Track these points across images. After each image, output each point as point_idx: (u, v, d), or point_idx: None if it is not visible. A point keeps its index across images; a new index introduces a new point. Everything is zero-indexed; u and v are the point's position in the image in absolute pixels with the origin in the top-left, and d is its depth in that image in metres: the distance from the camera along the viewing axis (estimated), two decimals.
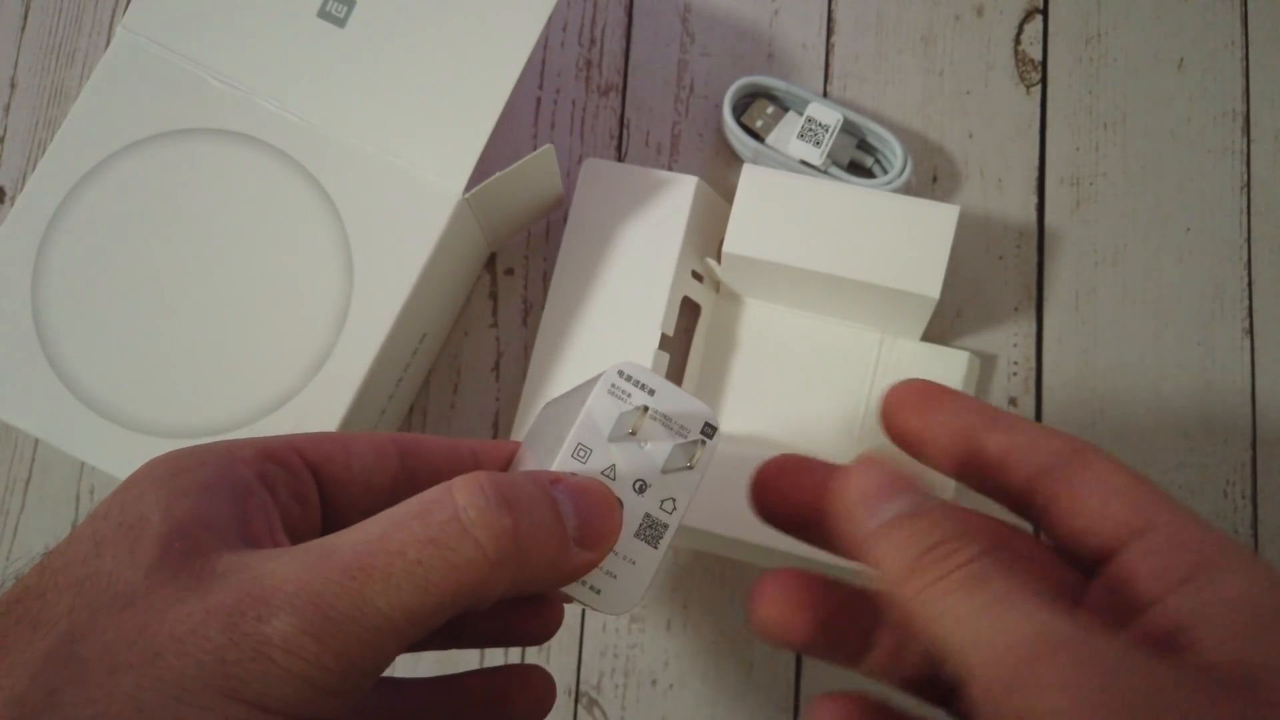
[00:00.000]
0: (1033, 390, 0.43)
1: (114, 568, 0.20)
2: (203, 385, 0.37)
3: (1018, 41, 0.46)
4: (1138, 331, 0.43)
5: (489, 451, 0.27)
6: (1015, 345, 0.44)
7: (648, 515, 0.23)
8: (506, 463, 0.28)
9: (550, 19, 0.39)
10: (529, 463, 0.26)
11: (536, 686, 0.28)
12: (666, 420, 0.24)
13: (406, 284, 0.37)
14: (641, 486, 0.23)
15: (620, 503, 0.23)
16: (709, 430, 0.24)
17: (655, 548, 0.23)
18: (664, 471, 0.24)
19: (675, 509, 0.24)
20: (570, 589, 0.23)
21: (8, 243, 0.37)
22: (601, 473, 0.23)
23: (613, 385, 0.24)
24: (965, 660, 0.19)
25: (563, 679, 0.42)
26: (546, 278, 0.45)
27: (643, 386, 0.24)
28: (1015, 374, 0.43)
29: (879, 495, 0.21)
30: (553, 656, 0.42)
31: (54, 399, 0.36)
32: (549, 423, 0.28)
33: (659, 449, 0.23)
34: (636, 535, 0.23)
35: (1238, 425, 0.42)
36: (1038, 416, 0.43)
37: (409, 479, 0.25)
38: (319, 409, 0.36)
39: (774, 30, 0.47)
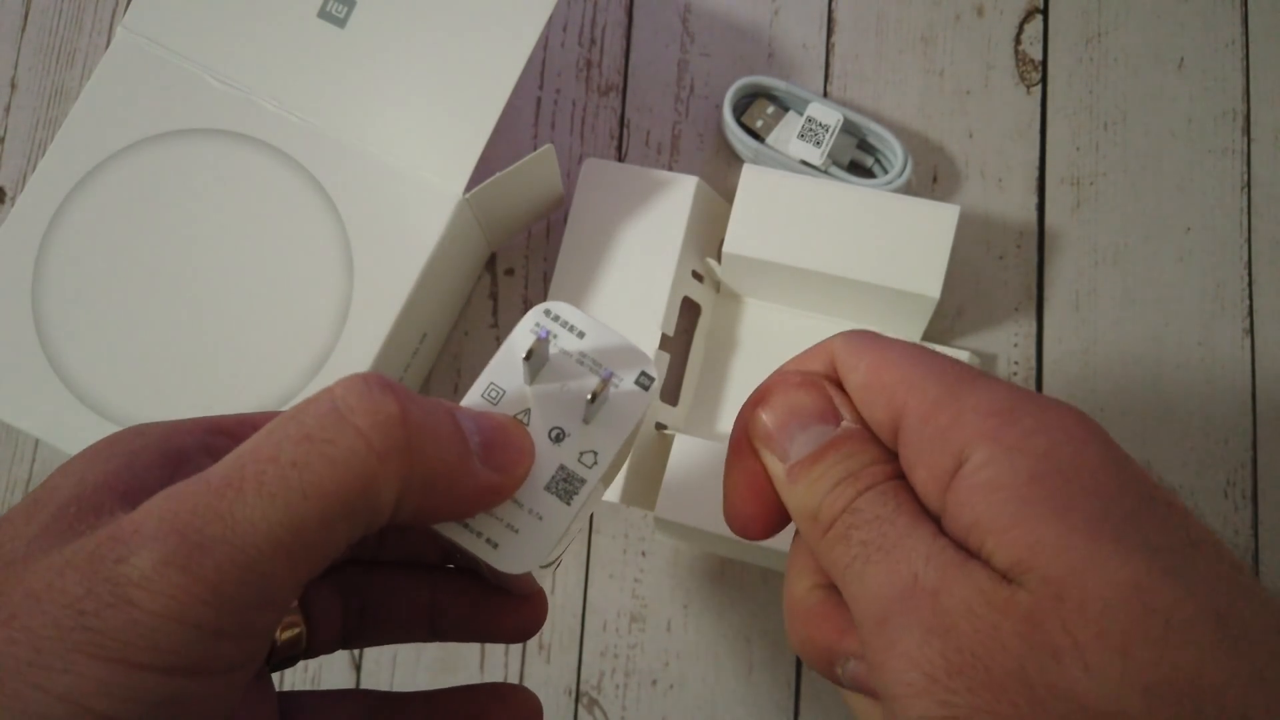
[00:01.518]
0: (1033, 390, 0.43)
1: (3, 540, 0.18)
2: (203, 385, 0.37)
3: (1018, 41, 0.46)
4: (1138, 331, 0.43)
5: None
6: (1015, 345, 0.44)
7: (562, 467, 0.21)
8: None
9: (550, 19, 0.39)
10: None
11: (518, 708, 0.26)
12: (596, 365, 0.21)
13: (407, 284, 0.37)
14: (559, 435, 0.21)
15: (531, 440, 0.21)
16: (645, 380, 0.21)
17: (568, 504, 0.21)
18: (587, 421, 0.21)
19: (596, 463, 0.21)
20: (464, 539, 0.20)
21: (8, 243, 0.37)
22: (514, 415, 0.21)
23: (536, 324, 0.22)
24: (852, 608, 0.19)
25: (563, 679, 0.42)
26: (546, 278, 0.45)
27: (571, 328, 0.22)
28: (1015, 374, 0.43)
29: (780, 436, 0.21)
30: (553, 656, 0.42)
31: (54, 399, 0.36)
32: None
33: (583, 396, 0.21)
34: (547, 488, 0.21)
35: (1238, 425, 0.42)
36: None
37: None
38: None
39: (774, 30, 0.47)
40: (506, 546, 0.20)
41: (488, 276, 0.45)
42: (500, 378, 0.21)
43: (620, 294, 0.41)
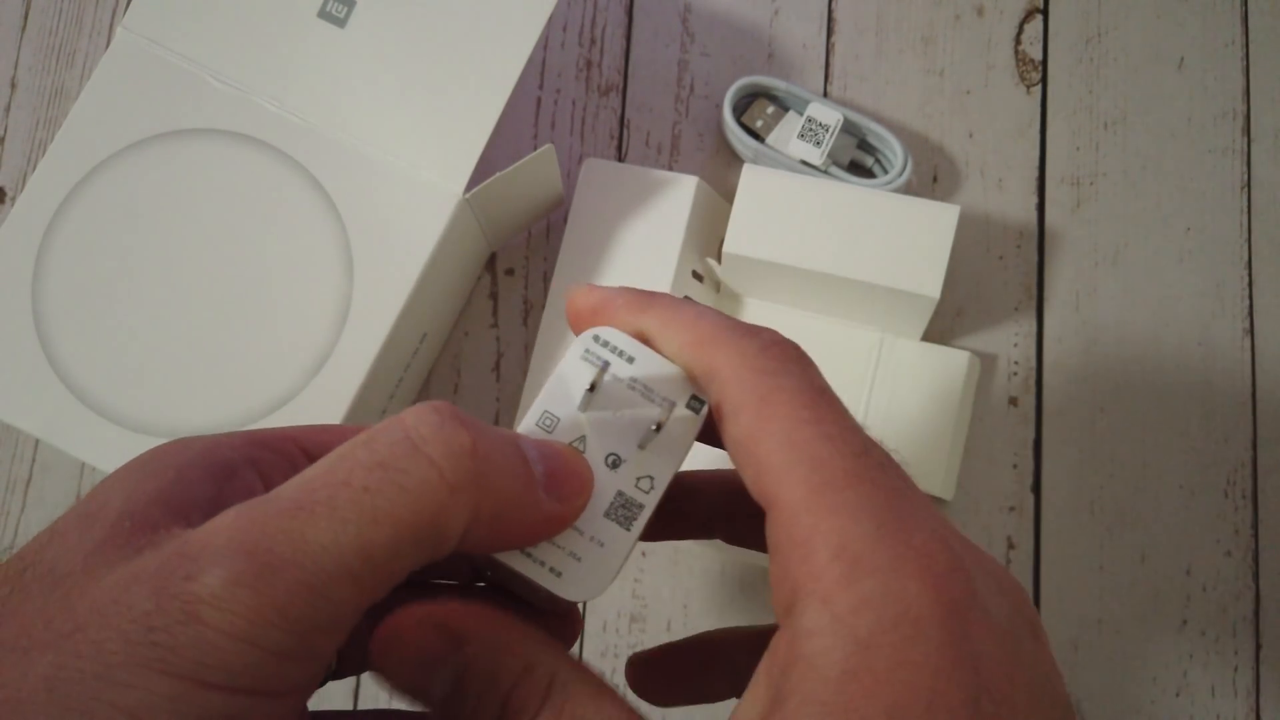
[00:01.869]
0: (1033, 390, 0.43)
1: (58, 554, 0.18)
2: (203, 385, 0.37)
3: (1018, 41, 0.46)
4: (1138, 331, 0.43)
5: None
6: (1015, 345, 0.44)
7: (620, 493, 0.21)
8: None
9: (550, 19, 0.39)
10: None
11: None
12: (647, 391, 0.22)
13: (407, 284, 0.37)
14: (615, 461, 0.21)
15: (590, 469, 0.21)
16: (695, 404, 0.22)
17: (628, 529, 0.21)
18: (641, 447, 0.21)
19: (653, 488, 0.21)
20: (527, 569, 0.21)
21: (8, 243, 0.37)
22: (569, 444, 0.21)
23: (586, 350, 0.22)
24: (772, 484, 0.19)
25: None
26: (546, 278, 0.45)
27: (621, 353, 0.22)
28: (1015, 374, 0.43)
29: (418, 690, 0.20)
30: None
31: (54, 399, 0.36)
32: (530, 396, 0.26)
33: (637, 422, 0.21)
34: (606, 515, 0.21)
35: (1238, 425, 0.42)
36: (1038, 416, 0.43)
37: None
38: (319, 409, 0.36)
39: (774, 30, 0.47)
40: (570, 574, 0.21)
41: (488, 276, 0.45)
42: (554, 405, 0.22)
43: None
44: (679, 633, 0.42)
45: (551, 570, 0.21)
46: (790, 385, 0.20)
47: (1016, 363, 0.44)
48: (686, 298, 0.23)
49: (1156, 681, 0.41)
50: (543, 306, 0.43)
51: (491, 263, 0.45)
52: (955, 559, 0.18)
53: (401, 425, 0.18)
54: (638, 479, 0.21)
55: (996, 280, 0.44)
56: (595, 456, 0.21)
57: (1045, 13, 0.47)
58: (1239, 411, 0.43)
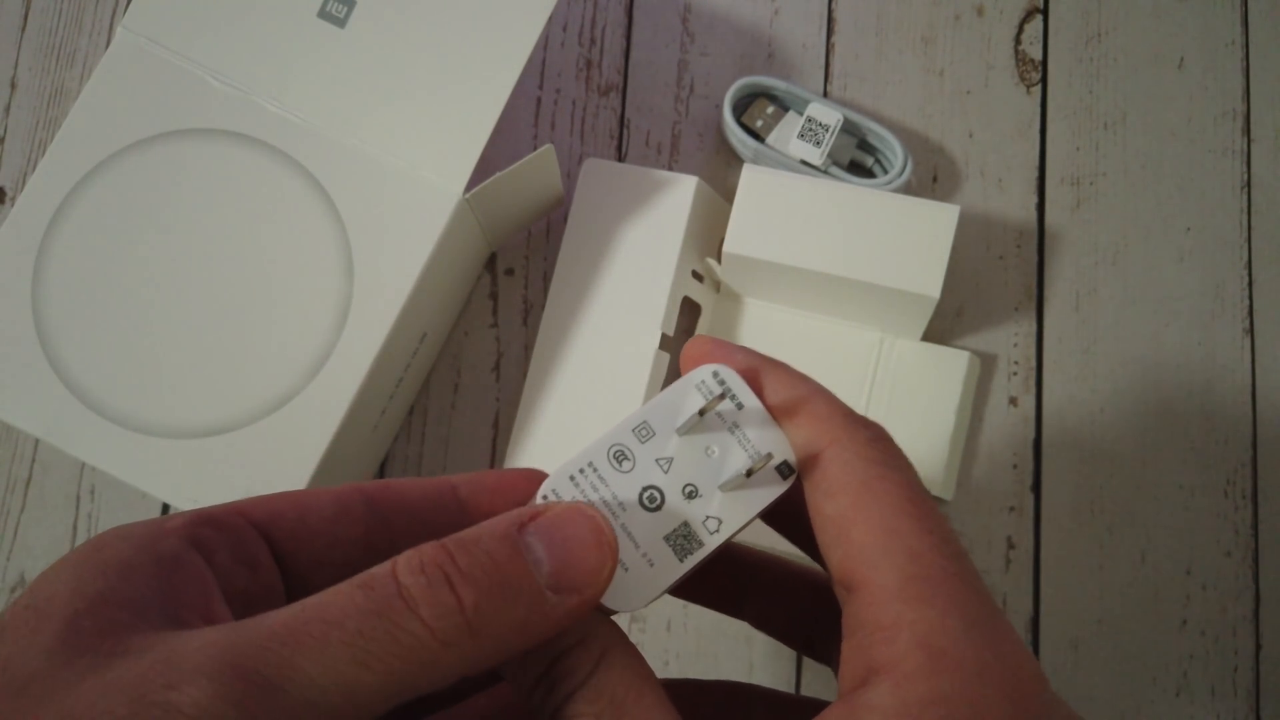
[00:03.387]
0: (1033, 390, 0.43)
1: (11, 652, 0.17)
2: (203, 385, 0.37)
3: (1018, 41, 0.46)
4: (1138, 331, 0.43)
5: (474, 486, 0.24)
6: (1015, 345, 0.44)
7: (686, 524, 0.21)
8: (493, 496, 0.24)
9: (550, 19, 0.39)
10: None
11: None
12: (745, 439, 0.22)
13: (407, 284, 0.37)
14: (692, 492, 0.21)
15: (613, 530, 0.20)
16: (785, 470, 0.22)
17: (681, 560, 0.21)
18: (721, 489, 0.22)
19: (719, 530, 0.21)
20: None
21: (8, 243, 0.37)
22: (655, 460, 0.21)
23: (703, 381, 0.22)
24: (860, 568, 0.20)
25: None
26: (546, 278, 0.45)
27: (733, 396, 0.22)
28: (1015, 374, 0.43)
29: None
30: None
31: (54, 399, 0.36)
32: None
33: (726, 465, 0.21)
34: (666, 539, 0.21)
35: (1238, 425, 0.42)
36: (1038, 416, 0.43)
37: (383, 526, 0.23)
38: (319, 409, 0.36)
39: (774, 30, 0.47)
40: (613, 586, 0.20)
41: (488, 276, 0.45)
42: (655, 420, 0.22)
43: (620, 294, 0.41)
44: (678, 633, 0.42)
45: None
46: (896, 479, 0.20)
47: (1016, 363, 0.44)
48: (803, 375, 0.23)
49: (1156, 681, 0.41)
50: (543, 306, 0.43)
51: (491, 263, 0.45)
52: (1038, 682, 0.18)
53: (393, 579, 0.18)
54: (707, 517, 0.21)
55: (996, 280, 0.44)
56: (675, 481, 0.21)
57: (1045, 13, 0.47)
58: (1239, 411, 0.43)
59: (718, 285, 0.43)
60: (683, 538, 0.21)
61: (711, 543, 0.21)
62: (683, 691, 0.27)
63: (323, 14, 0.39)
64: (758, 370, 0.23)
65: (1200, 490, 0.42)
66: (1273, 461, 0.42)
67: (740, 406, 0.22)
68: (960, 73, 0.46)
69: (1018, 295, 0.44)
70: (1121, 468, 0.42)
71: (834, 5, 0.47)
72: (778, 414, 0.22)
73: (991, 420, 0.43)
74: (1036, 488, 0.43)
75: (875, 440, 0.21)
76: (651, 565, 0.21)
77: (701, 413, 0.21)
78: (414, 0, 0.39)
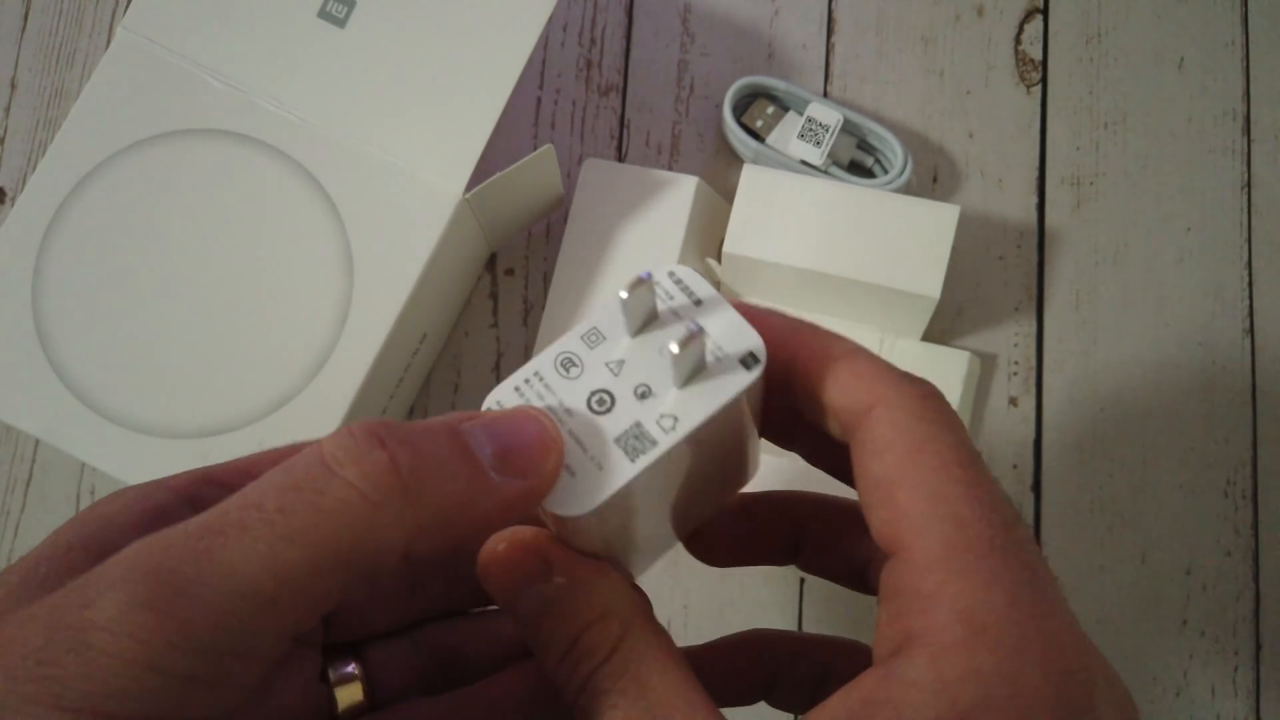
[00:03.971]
0: (1033, 390, 0.43)
1: None
2: (203, 385, 0.37)
3: (1018, 41, 0.46)
4: (1138, 331, 0.43)
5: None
6: (1015, 345, 0.44)
7: (638, 424, 0.20)
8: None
9: (550, 19, 0.39)
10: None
11: None
12: (704, 332, 0.20)
13: (407, 284, 0.37)
14: (644, 393, 0.20)
15: (556, 425, 0.20)
16: (750, 360, 0.20)
17: (633, 461, 0.20)
18: (679, 387, 0.20)
19: (675, 429, 0.20)
20: None
21: (8, 243, 0.37)
22: (605, 363, 0.20)
23: (657, 282, 0.21)
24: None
25: None
26: (546, 278, 0.45)
27: (689, 292, 0.21)
28: (1015, 374, 0.43)
29: (507, 598, 0.21)
30: None
31: (54, 399, 0.36)
32: None
33: (682, 361, 0.20)
34: (617, 441, 0.20)
35: (1238, 425, 0.42)
36: (1038, 416, 0.43)
37: None
38: (319, 409, 0.36)
39: (774, 30, 0.47)
40: (559, 488, 0.20)
41: (488, 276, 0.45)
42: (604, 324, 0.21)
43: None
44: (678, 634, 0.42)
45: None
46: (948, 440, 0.19)
47: (1016, 363, 0.44)
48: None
49: (1156, 681, 0.41)
50: (543, 306, 0.43)
51: (491, 263, 0.45)
52: (1083, 657, 0.17)
53: (317, 450, 0.17)
54: (661, 415, 0.20)
55: (996, 280, 0.44)
56: (626, 382, 0.20)
57: (1045, 13, 0.47)
58: (1239, 411, 0.43)
59: (718, 285, 0.43)
60: (634, 438, 0.20)
61: (666, 441, 0.20)
62: (703, 658, 0.26)
63: (323, 14, 0.39)
64: (794, 329, 0.21)
65: (1200, 490, 0.42)
66: (1273, 461, 0.42)
67: (700, 303, 0.21)
68: (960, 73, 0.46)
69: (1018, 295, 0.44)
70: (1121, 468, 0.42)
71: (834, 5, 0.47)
72: (817, 378, 0.21)
73: (991, 420, 0.43)
74: (1036, 488, 0.43)
75: (926, 397, 0.20)
76: (600, 469, 0.20)
77: (626, 296, 0.20)
78: (414, 0, 0.39)
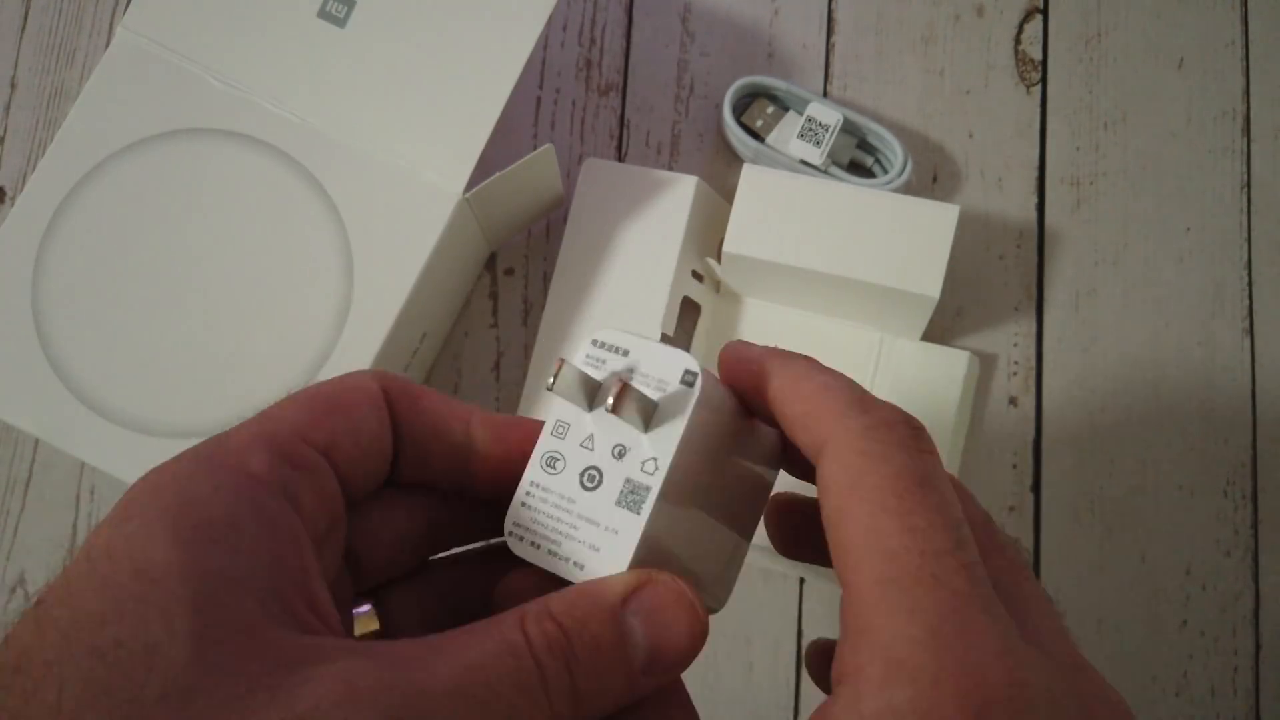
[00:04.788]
0: (1033, 390, 0.43)
1: (144, 637, 0.15)
2: (203, 385, 0.37)
3: (1018, 41, 0.46)
4: (1138, 331, 0.43)
5: (488, 427, 0.24)
6: (1015, 345, 0.44)
7: (628, 480, 0.22)
8: (501, 443, 0.24)
9: (550, 19, 0.39)
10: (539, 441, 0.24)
11: None
12: (644, 378, 0.22)
13: (406, 284, 0.37)
14: (620, 451, 0.22)
15: (703, 606, 0.21)
16: (689, 377, 0.22)
17: (637, 513, 0.21)
18: (646, 432, 0.22)
19: (657, 469, 0.22)
20: (553, 565, 0.22)
21: (8, 243, 0.37)
22: (579, 444, 0.22)
23: (587, 355, 0.23)
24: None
25: None
26: (546, 278, 0.45)
27: (617, 349, 0.23)
28: (1015, 374, 0.43)
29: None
30: None
31: (54, 399, 0.36)
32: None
33: (627, 412, 0.21)
34: (618, 503, 0.22)
35: (1238, 425, 0.42)
36: (1038, 416, 0.43)
37: (399, 435, 0.22)
38: None
39: (774, 30, 0.47)
40: (590, 565, 0.21)
41: (488, 276, 0.45)
42: (564, 413, 0.23)
43: (620, 294, 0.41)
44: None
45: (575, 565, 0.22)
46: (885, 471, 0.19)
47: (1016, 363, 0.44)
48: (822, 366, 0.22)
49: (1156, 681, 0.41)
50: (543, 306, 0.43)
51: (491, 263, 0.45)
52: (1016, 686, 0.17)
53: (534, 658, 0.18)
54: (643, 463, 0.22)
55: (996, 280, 0.44)
56: (602, 452, 0.22)
57: (1045, 13, 0.47)
58: (1239, 411, 0.43)
59: (718, 285, 0.43)
60: (630, 494, 0.22)
61: (655, 481, 0.21)
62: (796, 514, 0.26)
63: (323, 14, 0.39)
64: (769, 376, 0.22)
65: (1200, 490, 0.42)
66: (1273, 461, 0.42)
67: (626, 353, 0.23)
68: (960, 73, 0.46)
69: (1018, 295, 0.44)
70: (1121, 468, 0.42)
71: (834, 5, 0.47)
72: (787, 422, 0.22)
73: (991, 420, 0.43)
74: (1036, 488, 0.43)
75: (870, 429, 0.20)
76: (616, 533, 0.21)
77: (550, 387, 0.22)
78: (414, 0, 0.39)
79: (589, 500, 0.22)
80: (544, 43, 0.47)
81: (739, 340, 0.23)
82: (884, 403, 0.21)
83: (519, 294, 0.45)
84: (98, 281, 0.37)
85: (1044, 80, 0.46)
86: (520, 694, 0.18)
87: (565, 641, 0.19)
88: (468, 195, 0.38)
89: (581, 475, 0.22)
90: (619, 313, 0.41)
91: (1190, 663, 0.41)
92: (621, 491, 0.22)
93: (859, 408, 0.20)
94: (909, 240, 0.39)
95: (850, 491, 0.19)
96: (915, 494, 0.19)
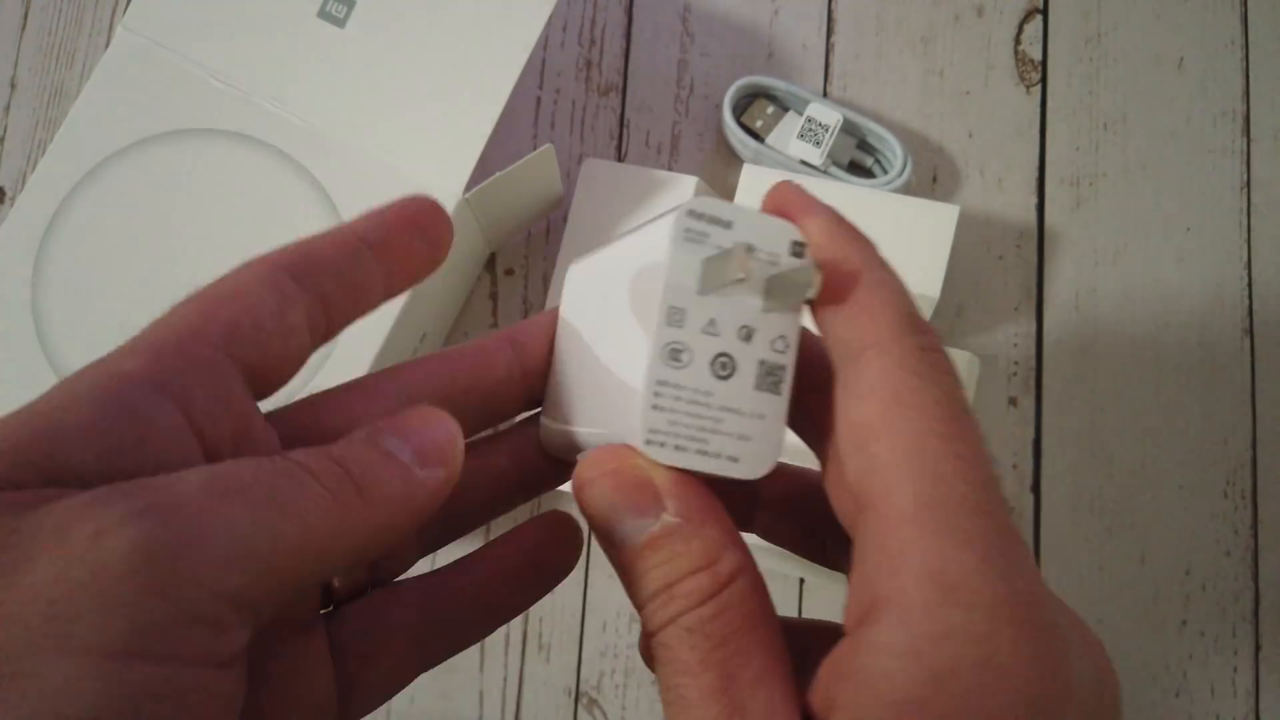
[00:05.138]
0: (1033, 390, 0.43)
1: None
2: None
3: (1018, 41, 0.46)
4: (1137, 332, 0.43)
5: (375, 225, 0.23)
6: (1015, 345, 0.44)
7: (762, 362, 0.21)
8: (398, 230, 0.23)
9: (550, 19, 0.39)
10: (594, 348, 0.23)
11: (561, 530, 0.25)
12: (754, 250, 0.21)
13: None
14: (747, 334, 0.21)
15: (451, 419, 0.20)
16: (798, 249, 0.21)
17: (779, 394, 0.21)
18: (765, 311, 0.21)
19: (788, 346, 0.21)
20: (708, 465, 0.20)
21: (8, 243, 0.37)
22: (701, 330, 0.21)
23: (687, 230, 0.21)
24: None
25: (562, 679, 0.42)
26: (546, 278, 0.45)
27: (719, 221, 0.21)
28: (1015, 374, 0.43)
29: (609, 522, 0.20)
30: (552, 656, 0.42)
31: None
32: (607, 284, 0.24)
33: (753, 286, 0.20)
34: (757, 388, 0.21)
35: (1238, 425, 0.42)
36: (1037, 416, 0.43)
37: (313, 297, 0.22)
38: None
39: (774, 30, 0.47)
40: (745, 455, 0.21)
41: (488, 276, 0.45)
42: (677, 299, 0.20)
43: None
44: None
45: (729, 459, 0.21)
46: (934, 392, 0.18)
47: (1016, 363, 0.44)
48: (880, 259, 0.21)
49: (1156, 681, 0.41)
50: (543, 306, 0.43)
51: (491, 263, 0.45)
52: (1055, 615, 0.17)
53: (291, 458, 0.19)
54: (772, 341, 0.21)
55: (996, 280, 0.44)
56: (729, 336, 0.21)
57: (1045, 13, 0.47)
58: (1239, 411, 0.43)
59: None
60: (767, 375, 0.21)
61: (788, 360, 0.21)
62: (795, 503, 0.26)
63: (323, 14, 0.39)
64: (834, 238, 0.21)
65: (1200, 490, 0.42)
66: (1273, 461, 0.42)
67: (730, 225, 0.21)
68: (960, 73, 0.46)
69: (1018, 295, 0.44)
70: (1121, 468, 0.42)
71: (834, 5, 0.47)
72: (837, 299, 0.21)
73: (991, 420, 0.43)
74: (1036, 488, 0.43)
75: (925, 350, 0.19)
76: (763, 418, 0.21)
77: (706, 267, 0.20)
78: (414, 0, 0.39)
79: (726, 389, 0.21)
80: (544, 43, 0.47)
81: (792, 184, 0.22)
82: (931, 325, 0.20)
83: (519, 294, 0.45)
84: (98, 281, 0.37)
85: (1044, 80, 0.46)
86: (284, 478, 0.18)
87: (323, 448, 0.19)
88: (468, 195, 0.38)
89: (712, 364, 0.21)
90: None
91: (1190, 663, 0.41)
92: (758, 374, 0.21)
93: (912, 324, 0.20)
94: (909, 240, 0.39)
95: (896, 404, 0.18)
96: (962, 421, 0.18)
